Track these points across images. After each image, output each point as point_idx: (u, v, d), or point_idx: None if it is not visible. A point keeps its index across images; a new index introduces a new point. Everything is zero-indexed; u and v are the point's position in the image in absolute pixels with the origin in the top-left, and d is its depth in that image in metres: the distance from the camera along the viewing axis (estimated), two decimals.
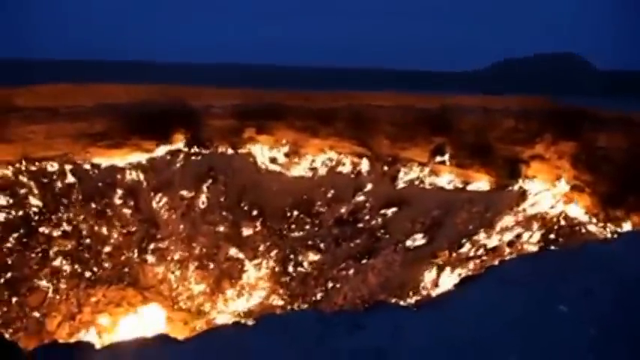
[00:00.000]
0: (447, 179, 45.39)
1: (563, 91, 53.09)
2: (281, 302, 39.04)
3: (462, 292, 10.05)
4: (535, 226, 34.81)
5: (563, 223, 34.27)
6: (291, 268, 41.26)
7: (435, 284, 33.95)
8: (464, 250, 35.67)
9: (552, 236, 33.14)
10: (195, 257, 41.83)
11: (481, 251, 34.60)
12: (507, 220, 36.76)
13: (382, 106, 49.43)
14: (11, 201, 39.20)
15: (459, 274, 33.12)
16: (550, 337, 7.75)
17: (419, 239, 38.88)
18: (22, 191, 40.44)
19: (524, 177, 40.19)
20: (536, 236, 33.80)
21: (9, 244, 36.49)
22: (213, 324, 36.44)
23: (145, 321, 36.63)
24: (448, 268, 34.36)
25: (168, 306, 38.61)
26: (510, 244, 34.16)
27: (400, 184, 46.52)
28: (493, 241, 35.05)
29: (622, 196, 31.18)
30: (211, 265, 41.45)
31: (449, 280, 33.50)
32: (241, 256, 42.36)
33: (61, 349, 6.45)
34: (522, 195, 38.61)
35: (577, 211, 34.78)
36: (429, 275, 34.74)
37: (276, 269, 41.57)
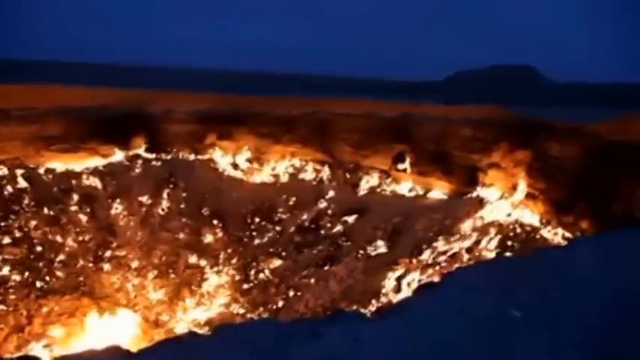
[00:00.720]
0: (407, 187, 46.12)
1: (519, 101, 54.81)
2: (242, 310, 38.54)
3: (420, 299, 10.18)
4: (492, 232, 35.79)
5: (518, 229, 35.36)
6: (252, 276, 40.85)
7: (397, 291, 34.35)
8: (424, 256, 36.26)
9: (509, 242, 34.11)
10: (154, 265, 40.81)
11: (441, 258, 35.25)
12: (465, 227, 37.64)
13: (345, 113, 49.81)
14: None
15: (420, 281, 33.62)
16: (506, 342, 7.93)
17: (380, 246, 39.30)
18: None
19: (481, 185, 41.24)
20: (494, 243, 34.72)
21: None
22: (172, 333, 35.60)
23: (100, 332, 35.42)
24: (409, 275, 34.84)
25: (125, 316, 37.48)
26: (469, 250, 34.96)
27: (362, 192, 46.97)
28: (452, 248, 35.78)
29: (573, 203, 32.42)
30: (171, 274, 40.53)
31: (410, 286, 33.96)
32: (202, 263, 41.64)
33: None
34: (480, 202, 39.64)
35: (531, 217, 35.96)
36: (390, 282, 35.12)
37: (237, 277, 41.06)
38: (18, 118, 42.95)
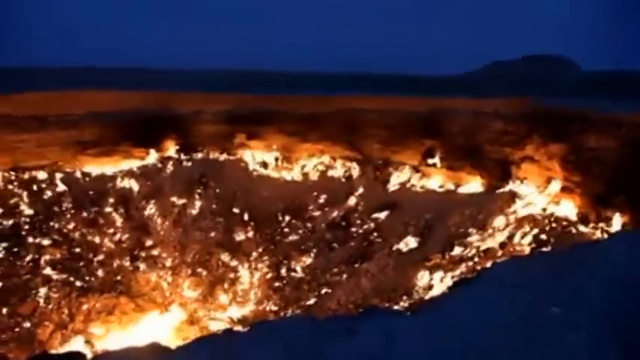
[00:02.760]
0: (438, 182, 45.58)
1: (552, 92, 53.47)
2: (274, 308, 38.87)
3: (454, 296, 10.11)
4: (526, 227, 35.01)
5: (554, 224, 34.48)
6: (284, 274, 41.15)
7: (428, 287, 33.99)
8: (456, 252, 35.77)
9: (543, 237, 33.31)
10: (188, 264, 41.59)
11: (473, 253, 34.71)
12: (499, 221, 36.95)
13: (373, 109, 49.58)
14: (1, 210, 38.86)
15: (452, 277, 33.21)
16: (543, 338, 7.79)
17: (411, 242, 38.97)
18: (12, 200, 40.13)
19: (514, 179, 40.44)
20: (528, 238, 33.96)
21: None
22: (207, 331, 36.24)
23: (138, 329, 36.36)
24: (441, 271, 34.42)
25: (161, 313, 38.33)
26: (502, 245, 34.31)
27: (392, 188, 46.64)
28: (485, 244, 35.18)
29: (612, 197, 31.45)
30: (204, 272, 41.23)
31: (442, 283, 33.60)
32: (234, 262, 42.18)
33: None
34: (513, 197, 38.84)
35: (568, 212, 35.02)
36: (422, 278, 34.78)
37: (269, 275, 41.43)
38: (55, 124, 44.44)
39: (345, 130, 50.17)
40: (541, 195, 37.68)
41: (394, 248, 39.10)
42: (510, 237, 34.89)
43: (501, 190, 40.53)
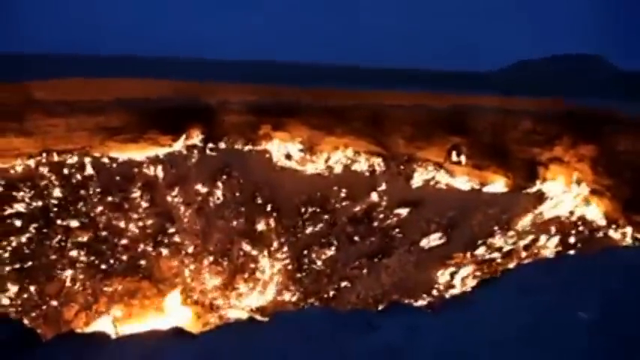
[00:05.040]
0: (463, 180, 45.01)
1: (584, 92, 52.13)
2: (294, 299, 39.09)
3: (478, 296, 9.93)
4: (553, 229, 34.28)
5: (581, 227, 33.69)
6: (304, 265, 41.28)
7: (449, 286, 33.66)
8: (479, 252, 35.31)
9: (571, 241, 32.59)
10: (210, 252, 42.08)
11: (496, 254, 34.20)
12: (524, 223, 36.30)
13: (399, 105, 49.16)
14: (32, 192, 39.87)
15: (474, 277, 32.81)
16: (568, 344, 7.62)
17: (433, 240, 38.60)
18: (43, 183, 41.13)
19: (542, 179, 39.64)
20: (554, 240, 33.26)
21: (29, 234, 37.16)
22: (225, 319, 36.64)
23: (159, 313, 36.99)
24: (462, 270, 34.04)
25: (181, 299, 38.92)
26: (526, 247, 33.69)
27: (415, 184, 46.25)
28: (509, 245, 34.62)
29: None
30: (225, 260, 41.65)
31: (463, 282, 33.23)
32: (255, 251, 42.50)
33: (78, 339, 6.52)
34: (540, 198, 38.08)
35: (596, 215, 34.18)
36: (443, 277, 34.46)
37: (290, 266, 41.63)
38: (84, 110, 45.33)
39: (370, 125, 49.91)
40: (569, 197, 36.84)
41: (416, 245, 38.81)
42: (535, 239, 34.24)
43: (527, 190, 39.79)
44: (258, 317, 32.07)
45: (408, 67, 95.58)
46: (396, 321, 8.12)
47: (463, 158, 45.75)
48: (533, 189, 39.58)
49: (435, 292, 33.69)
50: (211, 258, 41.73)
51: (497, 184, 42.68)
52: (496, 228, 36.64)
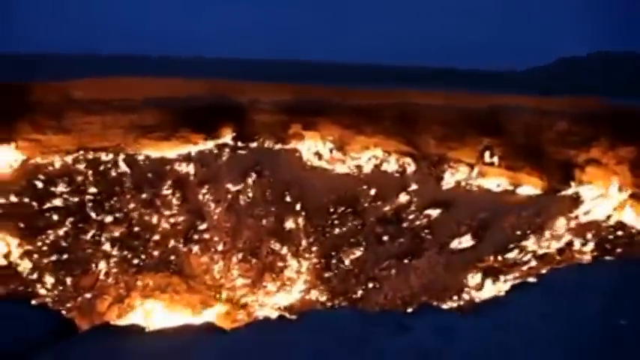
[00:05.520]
0: (495, 182, 44.10)
1: (622, 92, 50.32)
2: (321, 298, 39.11)
3: (512, 299, 9.71)
4: (589, 234, 33.22)
5: (619, 232, 32.56)
6: (332, 265, 41.24)
7: (479, 289, 33.07)
8: (511, 255, 34.55)
9: (607, 246, 31.55)
10: (239, 249, 42.52)
11: (529, 258, 33.40)
12: (559, 226, 35.30)
13: (430, 104, 48.44)
14: (69, 188, 41.11)
15: (505, 280, 32.17)
16: (606, 351, 7.39)
17: (464, 242, 37.99)
18: (79, 179, 42.35)
19: (578, 182, 38.48)
20: (590, 245, 32.24)
21: (65, 228, 38.35)
22: (254, 316, 36.99)
23: (189, 309, 37.63)
24: (493, 274, 33.39)
25: (210, 296, 39.47)
26: (561, 251, 32.78)
27: (446, 185, 45.58)
28: (542, 248, 33.76)
29: None
30: (254, 258, 42.00)
31: (494, 285, 32.62)
32: (284, 250, 42.71)
33: (113, 330, 6.66)
34: (575, 201, 36.98)
35: (635, 220, 32.96)
36: (473, 280, 33.88)
37: (318, 265, 41.66)
38: (119, 108, 46.48)
39: (401, 125, 49.40)
40: (606, 201, 35.64)
41: (446, 247, 38.27)
42: (570, 243, 33.26)
43: (563, 193, 38.70)
44: (288, 315, 32.23)
45: (440, 66, 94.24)
46: (428, 322, 8.03)
47: (496, 159, 44.83)
48: (569, 191, 38.48)
49: (464, 296, 33.19)
50: (240, 255, 42.15)
51: (531, 186, 41.65)
52: (529, 231, 35.78)
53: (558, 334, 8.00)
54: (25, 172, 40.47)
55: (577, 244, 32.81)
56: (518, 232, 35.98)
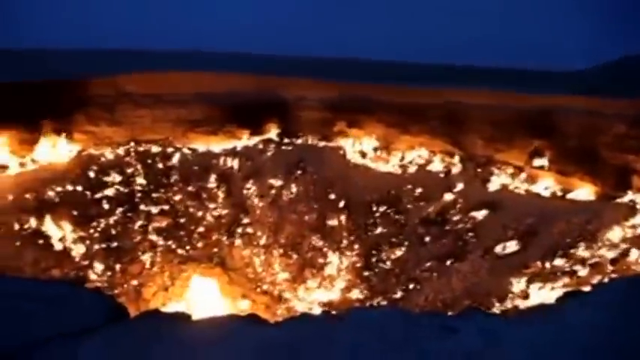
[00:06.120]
0: (544, 185, 42.65)
1: None
2: (361, 296, 38.99)
3: (564, 308, 9.31)
4: None
5: None
6: (373, 264, 41.01)
7: (524, 296, 32.06)
8: (559, 262, 33.30)
9: None
10: (281, 244, 42.93)
11: (579, 266, 32.08)
12: (612, 235, 33.74)
13: (479, 104, 47.29)
14: (119, 178, 42.67)
15: (552, 288, 31.05)
16: None
17: (510, 247, 36.89)
18: (129, 170, 43.86)
19: (635, 189, 36.68)
20: None
21: (115, 217, 39.85)
22: (293, 311, 37.28)
23: (230, 300, 38.35)
24: (540, 281, 32.27)
25: (251, 288, 40.06)
26: (614, 261, 31.31)
27: (493, 187, 44.42)
28: (594, 257, 32.35)
29: None
30: (295, 254, 42.31)
31: (539, 293, 31.53)
32: (325, 247, 42.80)
33: (162, 317, 6.83)
34: (632, 209, 35.24)
35: None
36: (519, 286, 32.87)
37: (358, 263, 41.53)
38: (168, 102, 47.87)
39: (447, 124, 48.54)
40: None
41: (490, 250, 37.32)
42: (624, 253, 31.72)
43: (618, 200, 36.99)
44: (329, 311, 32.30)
45: (490, 65, 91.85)
46: (474, 325, 7.79)
47: (546, 162, 43.33)
48: (625, 199, 36.74)
49: (508, 302, 32.25)
50: (282, 250, 42.57)
51: (584, 192, 40.02)
52: (580, 238, 34.37)
53: (610, 348, 7.62)
54: (79, 162, 42.31)
55: (633, 254, 31.27)
56: (568, 239, 34.63)
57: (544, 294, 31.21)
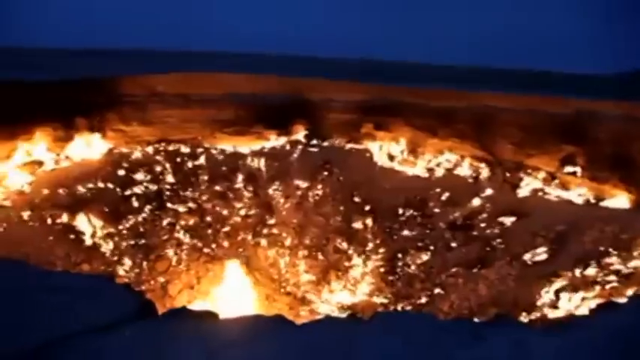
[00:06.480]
0: (576, 192, 41.57)
1: None
2: (385, 301, 38.70)
3: (599, 319, 9.05)
4: None
5: None
6: (398, 268, 40.66)
7: (553, 306, 31.27)
8: (590, 272, 32.37)
9: None
10: (305, 246, 42.99)
11: (612, 277, 31.12)
12: None
13: (509, 108, 46.38)
14: (149, 177, 43.49)
15: (583, 298, 30.23)
16: None
17: (539, 254, 36.06)
18: (158, 169, 44.65)
19: None
20: None
21: (144, 214, 40.62)
22: (316, 313, 37.28)
23: (254, 300, 38.61)
24: (570, 291, 31.44)
25: (275, 289, 40.23)
26: None
27: (522, 193, 43.52)
28: (628, 268, 31.36)
29: None
30: (320, 256, 42.30)
31: (569, 303, 30.74)
32: (350, 250, 42.67)
33: (190, 314, 6.92)
34: None
35: None
36: (547, 295, 32.10)
37: (383, 267, 41.24)
38: (197, 102, 48.57)
39: (476, 128, 47.74)
40: None
41: (518, 258, 36.55)
42: None
43: None
44: (353, 314, 32.12)
45: (521, 67, 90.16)
46: (503, 334, 7.67)
47: (578, 169, 42.24)
48: None
49: (536, 311, 31.53)
50: (306, 252, 42.62)
51: (618, 200, 38.86)
52: (613, 248, 33.36)
53: None
54: (110, 159, 43.30)
55: None
56: (601, 248, 33.64)
57: (574, 304, 30.43)
